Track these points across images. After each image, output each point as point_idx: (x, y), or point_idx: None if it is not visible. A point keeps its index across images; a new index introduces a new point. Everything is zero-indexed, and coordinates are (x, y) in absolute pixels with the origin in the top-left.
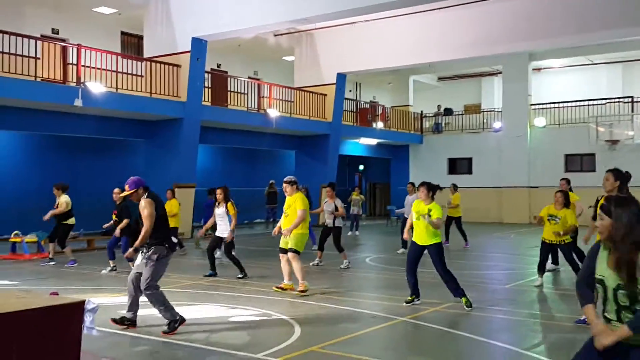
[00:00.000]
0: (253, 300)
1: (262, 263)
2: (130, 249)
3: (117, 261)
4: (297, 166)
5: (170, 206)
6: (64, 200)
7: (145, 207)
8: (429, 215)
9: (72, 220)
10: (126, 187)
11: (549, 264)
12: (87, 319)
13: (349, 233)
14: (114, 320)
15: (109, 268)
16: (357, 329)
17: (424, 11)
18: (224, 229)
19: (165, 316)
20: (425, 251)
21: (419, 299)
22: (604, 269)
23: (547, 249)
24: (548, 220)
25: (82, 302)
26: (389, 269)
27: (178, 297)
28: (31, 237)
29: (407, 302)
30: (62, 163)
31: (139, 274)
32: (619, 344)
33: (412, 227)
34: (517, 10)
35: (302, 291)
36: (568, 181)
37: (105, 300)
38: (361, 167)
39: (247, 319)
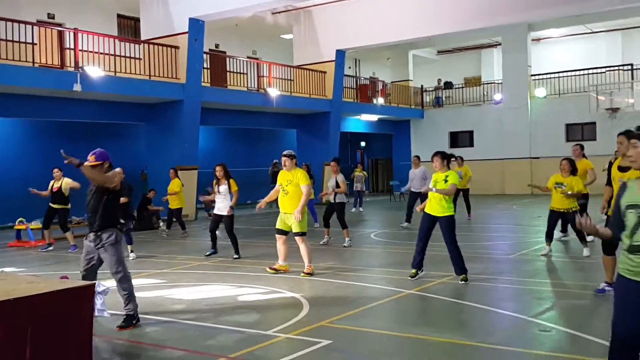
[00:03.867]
0: (260, 279)
1: (266, 242)
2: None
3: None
4: (299, 145)
5: (172, 185)
6: (67, 183)
7: (115, 175)
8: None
9: (69, 205)
10: (92, 157)
11: (557, 234)
12: (98, 301)
13: (353, 210)
14: (121, 327)
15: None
16: (365, 303)
17: None
18: (223, 207)
19: (129, 307)
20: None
21: (422, 271)
22: (637, 195)
23: (556, 218)
24: (555, 188)
25: (93, 285)
26: (394, 243)
27: (185, 277)
28: (36, 224)
29: (411, 277)
30: (63, 149)
31: (88, 257)
32: None
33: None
34: None
35: (309, 273)
36: (582, 147)
37: (114, 284)
38: (362, 143)
39: (255, 297)
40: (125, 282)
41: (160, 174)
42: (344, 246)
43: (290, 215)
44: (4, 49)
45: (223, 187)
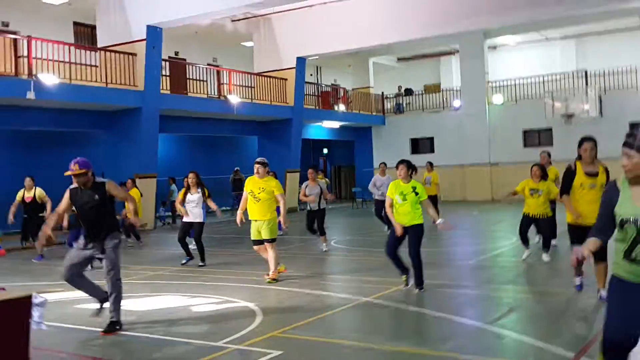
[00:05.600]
0: (216, 288)
1: (227, 250)
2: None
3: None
4: (260, 152)
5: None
6: (41, 192)
7: (117, 187)
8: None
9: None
10: (75, 165)
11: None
12: (35, 313)
13: None
14: (105, 332)
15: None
16: (320, 311)
17: None
18: (197, 214)
19: (115, 315)
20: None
21: (409, 274)
22: (635, 208)
23: (529, 223)
24: (530, 194)
25: (29, 297)
26: (354, 250)
27: (139, 288)
28: None
29: (406, 285)
30: (20, 158)
31: (80, 264)
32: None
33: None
34: None
35: (274, 279)
36: (549, 154)
37: (63, 296)
38: (325, 150)
39: (208, 307)
40: (117, 285)
41: (119, 183)
42: (324, 251)
43: (261, 222)
44: None
45: (196, 196)
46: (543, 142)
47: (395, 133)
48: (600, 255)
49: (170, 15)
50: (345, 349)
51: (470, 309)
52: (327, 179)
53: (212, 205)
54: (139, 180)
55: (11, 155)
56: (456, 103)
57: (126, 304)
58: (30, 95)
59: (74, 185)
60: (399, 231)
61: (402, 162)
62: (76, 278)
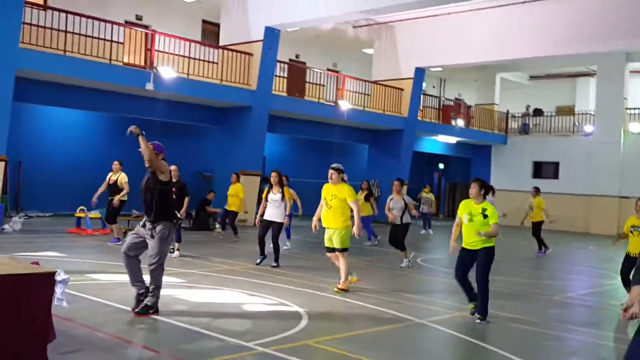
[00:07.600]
0: (277, 290)
1: (309, 255)
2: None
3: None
4: (370, 161)
5: (236, 190)
6: (126, 180)
7: (166, 169)
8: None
9: (126, 197)
10: (150, 145)
11: None
12: (58, 290)
13: (422, 232)
14: (138, 313)
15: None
16: (367, 326)
17: (510, 4)
18: (275, 214)
19: (150, 300)
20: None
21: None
22: None
23: (630, 264)
24: (631, 232)
25: (52, 273)
26: (439, 270)
27: (207, 280)
28: (95, 214)
29: (472, 313)
30: (134, 145)
31: (136, 245)
32: None
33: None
34: (613, 6)
35: (343, 289)
36: None
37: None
38: (441, 165)
39: (259, 307)
40: (156, 274)
41: (225, 177)
42: (401, 266)
43: (333, 230)
44: (89, 46)
45: (276, 195)
46: None
47: (517, 154)
48: None
49: (288, 17)
50: None
51: (528, 349)
52: (432, 194)
53: (287, 210)
54: (243, 177)
55: (127, 142)
56: (588, 128)
57: (184, 293)
58: (149, 86)
59: None
60: (450, 251)
61: (475, 180)
62: (130, 258)
